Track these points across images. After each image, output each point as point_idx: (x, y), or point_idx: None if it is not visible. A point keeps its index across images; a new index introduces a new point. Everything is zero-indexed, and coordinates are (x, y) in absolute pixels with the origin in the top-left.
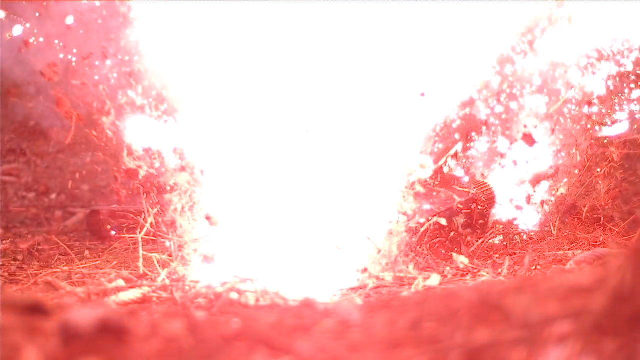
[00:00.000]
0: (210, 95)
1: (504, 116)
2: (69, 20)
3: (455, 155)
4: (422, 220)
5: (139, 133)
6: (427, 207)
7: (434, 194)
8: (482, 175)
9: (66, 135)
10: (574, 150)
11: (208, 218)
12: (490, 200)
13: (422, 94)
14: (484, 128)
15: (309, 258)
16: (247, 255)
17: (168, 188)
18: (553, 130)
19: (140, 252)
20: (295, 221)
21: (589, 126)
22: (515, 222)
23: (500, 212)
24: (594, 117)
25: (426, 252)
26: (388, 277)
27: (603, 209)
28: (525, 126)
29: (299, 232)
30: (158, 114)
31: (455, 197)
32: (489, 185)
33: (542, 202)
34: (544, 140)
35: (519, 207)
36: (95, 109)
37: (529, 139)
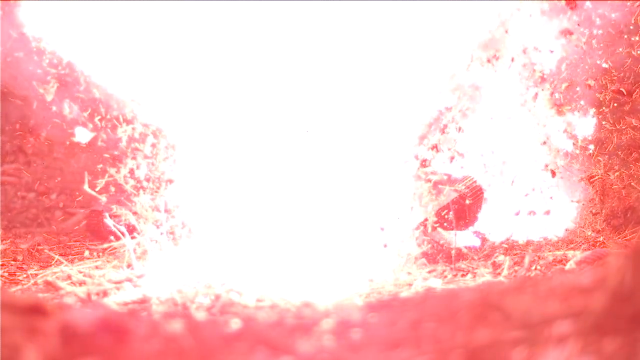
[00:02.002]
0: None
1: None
2: None
3: (435, 147)
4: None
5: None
6: (427, 204)
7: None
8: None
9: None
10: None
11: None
12: (478, 195)
13: None
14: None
15: (311, 261)
16: (238, 259)
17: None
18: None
19: (133, 254)
20: (295, 223)
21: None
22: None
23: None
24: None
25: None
26: (389, 285)
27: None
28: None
29: (299, 235)
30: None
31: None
32: (474, 180)
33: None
34: None
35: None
36: None
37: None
